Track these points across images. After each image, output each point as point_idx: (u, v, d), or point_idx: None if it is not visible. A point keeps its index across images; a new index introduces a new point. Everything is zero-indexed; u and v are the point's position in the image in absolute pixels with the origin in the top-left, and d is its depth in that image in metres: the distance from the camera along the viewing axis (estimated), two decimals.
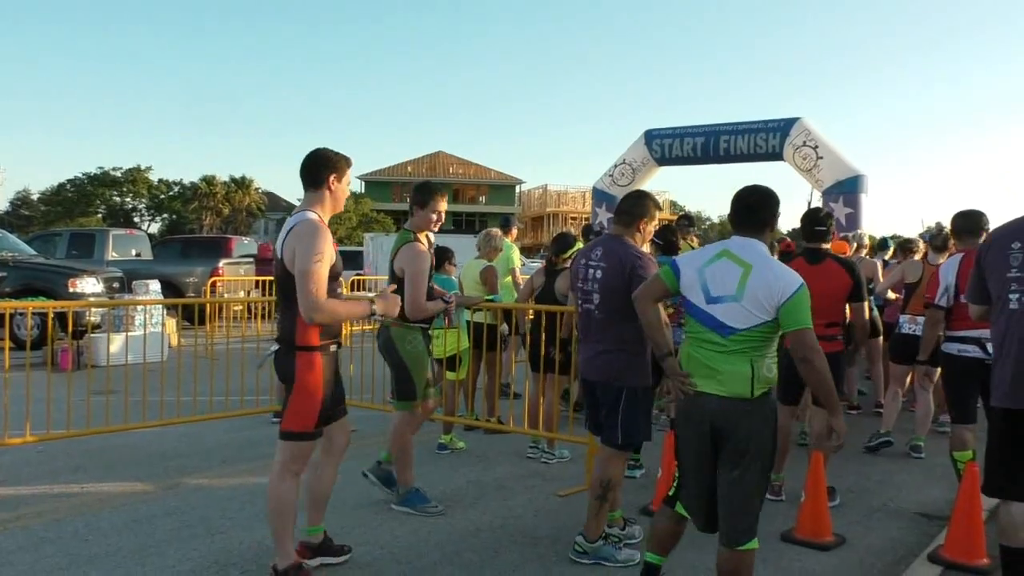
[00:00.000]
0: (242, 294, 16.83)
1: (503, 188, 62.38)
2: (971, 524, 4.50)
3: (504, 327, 7.31)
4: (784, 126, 17.67)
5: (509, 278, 8.57)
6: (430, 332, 5.35)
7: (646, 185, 22.07)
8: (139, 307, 11.56)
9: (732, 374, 3.36)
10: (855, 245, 9.72)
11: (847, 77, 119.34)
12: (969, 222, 5.65)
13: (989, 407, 4.10)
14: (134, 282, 13.45)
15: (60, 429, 6.28)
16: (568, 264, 6.98)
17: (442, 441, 6.98)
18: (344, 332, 9.11)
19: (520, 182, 62.14)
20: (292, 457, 3.99)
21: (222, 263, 17.57)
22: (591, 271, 4.52)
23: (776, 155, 17.89)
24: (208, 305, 10.77)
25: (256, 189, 58.50)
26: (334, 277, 3.93)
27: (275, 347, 4.04)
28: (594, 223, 20.11)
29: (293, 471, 4.01)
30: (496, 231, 7.28)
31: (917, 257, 7.96)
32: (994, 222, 5.39)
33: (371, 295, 3.91)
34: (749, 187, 3.63)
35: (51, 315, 8.94)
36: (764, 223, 3.53)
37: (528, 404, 7.09)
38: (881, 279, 8.62)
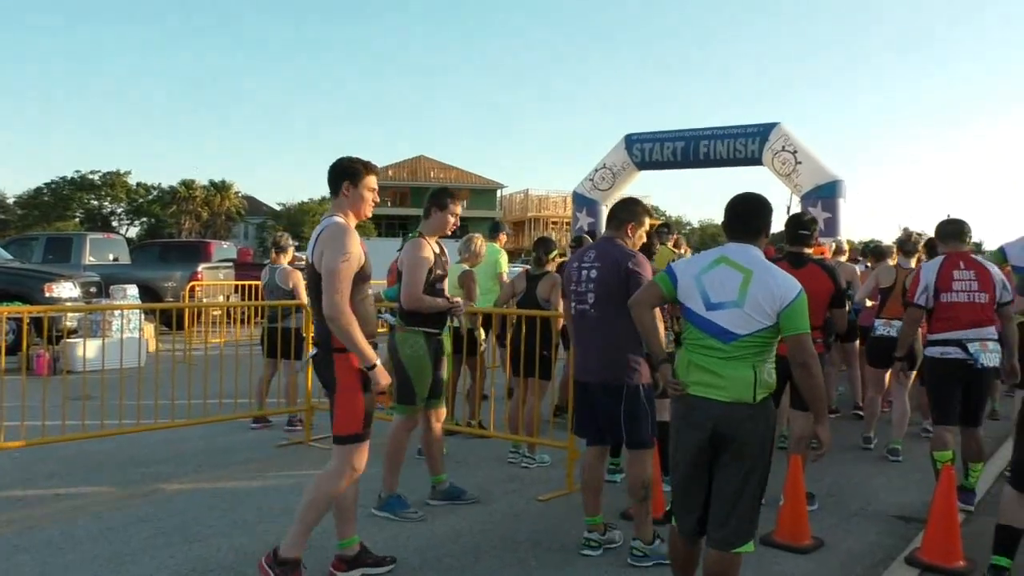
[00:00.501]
0: (221, 299, 16.73)
1: (484, 192, 62.35)
2: (948, 526, 4.54)
3: (480, 332, 7.31)
4: (763, 131, 17.82)
5: (497, 283, 8.55)
6: (440, 337, 5.34)
7: (627, 189, 22.16)
8: (116, 312, 11.45)
9: (735, 379, 3.36)
10: (834, 248, 9.85)
11: (826, 80, 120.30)
12: (954, 227, 5.74)
13: None
14: (112, 287, 13.31)
15: (36, 435, 6.21)
16: (551, 268, 7.01)
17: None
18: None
19: (501, 186, 62.16)
20: (347, 460, 4.02)
21: (201, 267, 17.45)
22: (584, 272, 4.55)
23: (755, 160, 18.03)
24: (187, 310, 10.70)
25: (236, 193, 58.25)
26: (364, 279, 4.02)
27: (313, 351, 4.09)
28: (575, 228, 20.18)
29: (350, 474, 4.04)
30: (477, 236, 7.28)
31: (891, 262, 8.06)
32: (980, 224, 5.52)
33: (378, 360, 3.95)
34: (743, 195, 3.65)
35: (27, 320, 8.84)
36: (759, 230, 3.56)
37: (509, 409, 7.08)
38: (860, 284, 8.71)
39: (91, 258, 17.17)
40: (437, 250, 5.29)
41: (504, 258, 8.49)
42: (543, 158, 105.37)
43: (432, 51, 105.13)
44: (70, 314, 11.60)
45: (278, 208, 60.22)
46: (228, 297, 16.98)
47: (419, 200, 63.20)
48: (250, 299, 15.35)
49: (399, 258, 5.33)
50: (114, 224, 60.27)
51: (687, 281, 3.51)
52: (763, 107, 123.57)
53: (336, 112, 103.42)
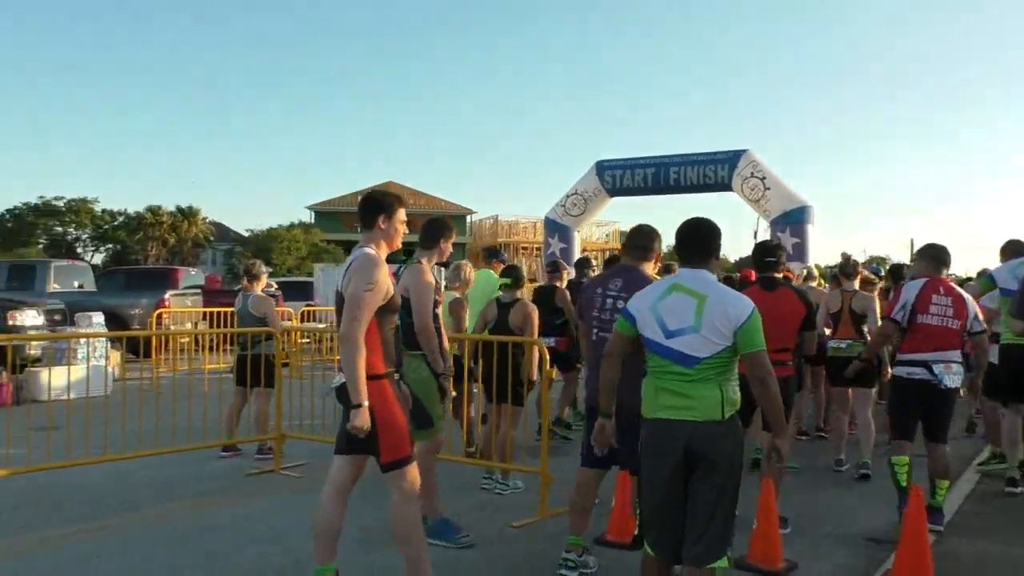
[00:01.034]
0: (189, 326, 16.55)
1: (454, 218, 61.87)
2: (918, 548, 4.57)
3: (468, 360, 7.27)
4: (732, 158, 18.07)
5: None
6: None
7: (598, 215, 22.33)
8: (82, 340, 11.29)
9: (704, 399, 3.46)
10: (804, 274, 10.02)
11: (794, 108, 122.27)
12: (935, 251, 5.96)
13: None
14: (77, 314, 13.13)
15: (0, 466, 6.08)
16: (519, 296, 7.01)
17: None
18: (293, 365, 8.99)
19: (471, 212, 62.26)
20: (405, 483, 4.07)
21: (168, 294, 17.27)
22: (610, 300, 4.64)
23: (725, 186, 18.27)
24: (154, 337, 10.56)
25: (204, 219, 57.72)
26: (392, 311, 4.08)
27: (340, 379, 4.06)
28: (547, 254, 20.26)
29: (411, 495, 4.10)
30: (466, 264, 7.29)
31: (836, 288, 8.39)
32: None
33: (365, 399, 3.93)
34: (693, 220, 3.78)
35: None
36: (710, 253, 3.68)
37: (483, 435, 7.06)
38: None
39: (55, 285, 16.93)
40: (437, 276, 5.35)
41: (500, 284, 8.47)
42: (512, 184, 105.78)
43: (400, 75, 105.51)
44: (34, 342, 11.42)
45: (246, 234, 59.77)
46: (196, 324, 16.81)
47: None
48: (219, 326, 15.22)
49: (401, 282, 5.22)
50: (79, 251, 59.44)
51: (643, 314, 3.61)
52: (733, 134, 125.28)
53: (305, 137, 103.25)
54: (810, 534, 5.66)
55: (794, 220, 17.22)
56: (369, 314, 3.91)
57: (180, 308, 17.01)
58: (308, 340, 15.20)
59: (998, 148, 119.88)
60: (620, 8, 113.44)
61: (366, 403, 3.90)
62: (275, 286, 22.78)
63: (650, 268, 4.76)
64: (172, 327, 15.76)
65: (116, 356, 12.89)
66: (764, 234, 18.68)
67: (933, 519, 5.43)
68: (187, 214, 56.17)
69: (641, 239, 4.82)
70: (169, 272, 19.94)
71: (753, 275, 8.66)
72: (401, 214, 4.19)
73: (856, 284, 7.99)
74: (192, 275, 20.57)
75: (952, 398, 5.74)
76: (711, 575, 3.49)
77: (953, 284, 6.02)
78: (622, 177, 19.28)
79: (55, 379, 9.96)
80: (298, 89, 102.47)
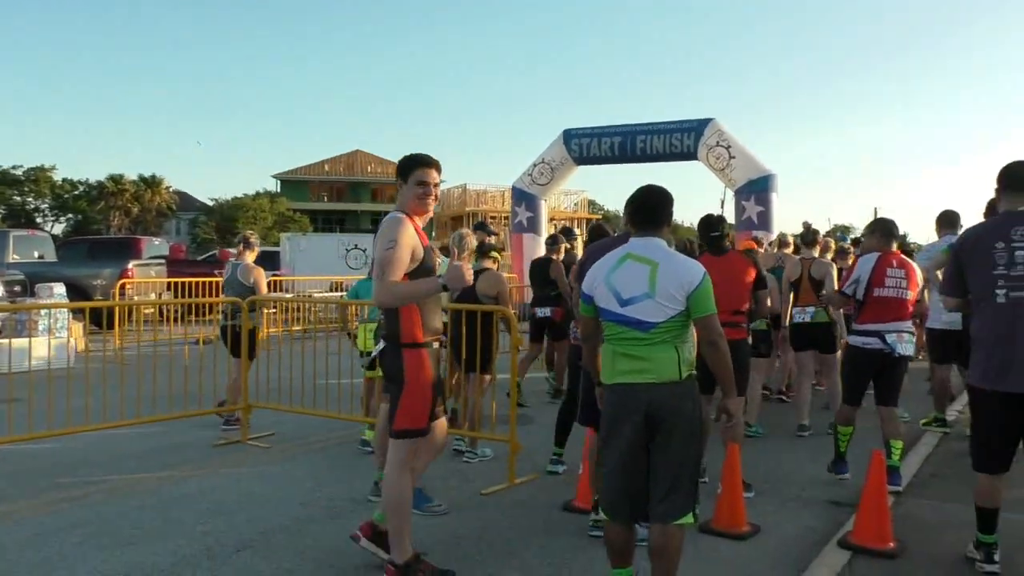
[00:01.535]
0: (153, 296, 16.34)
1: None
2: (878, 510, 4.68)
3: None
4: (698, 126, 18.07)
5: None
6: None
7: (565, 184, 22.29)
8: (43, 311, 11.10)
9: (660, 360, 3.54)
10: (778, 242, 10.06)
11: (755, 75, 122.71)
12: (885, 226, 6.23)
13: (975, 391, 4.34)
14: (37, 285, 12.90)
15: None
16: (487, 265, 7.01)
17: (364, 438, 6.95)
18: (262, 336, 8.93)
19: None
20: (407, 456, 4.07)
21: (131, 264, 17.02)
22: None
23: (691, 155, 18.27)
24: (117, 308, 10.41)
25: (167, 188, 56.84)
26: (427, 272, 4.03)
27: (380, 346, 4.10)
28: (514, 223, 20.22)
29: (409, 467, 4.09)
30: (468, 232, 7.30)
31: (796, 255, 8.71)
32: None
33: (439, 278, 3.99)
34: (645, 188, 3.87)
35: None
36: (662, 221, 3.79)
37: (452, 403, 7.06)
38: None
39: (15, 256, 16.63)
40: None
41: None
42: (482, 153, 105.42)
43: (368, 43, 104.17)
44: None
45: (211, 203, 58.96)
46: (161, 295, 16.60)
47: (356, 195, 62.74)
48: (184, 296, 15.03)
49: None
50: (39, 221, 58.26)
51: (598, 287, 3.71)
52: (699, 103, 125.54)
53: (270, 105, 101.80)
54: (774, 498, 5.76)
55: (759, 189, 17.28)
56: (396, 273, 3.88)
57: (144, 278, 16.79)
58: (275, 310, 15.06)
59: (952, 121, 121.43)
60: None
61: (440, 281, 3.94)
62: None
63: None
64: (136, 298, 15.54)
65: (78, 328, 12.70)
66: (731, 203, 18.78)
67: (891, 479, 5.60)
68: (150, 183, 55.29)
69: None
70: (132, 242, 19.63)
71: (754, 245, 9.11)
72: (420, 174, 4.06)
73: (816, 252, 8.18)
74: (156, 245, 20.28)
75: (904, 365, 6.02)
76: (678, 532, 3.57)
77: (904, 256, 6.28)
78: (589, 146, 19.21)
79: (16, 351, 9.81)
80: (262, 56, 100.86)
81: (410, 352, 4.00)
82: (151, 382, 7.29)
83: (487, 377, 6.83)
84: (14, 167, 57.11)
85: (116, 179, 54.14)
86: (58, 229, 56.91)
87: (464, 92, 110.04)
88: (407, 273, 3.94)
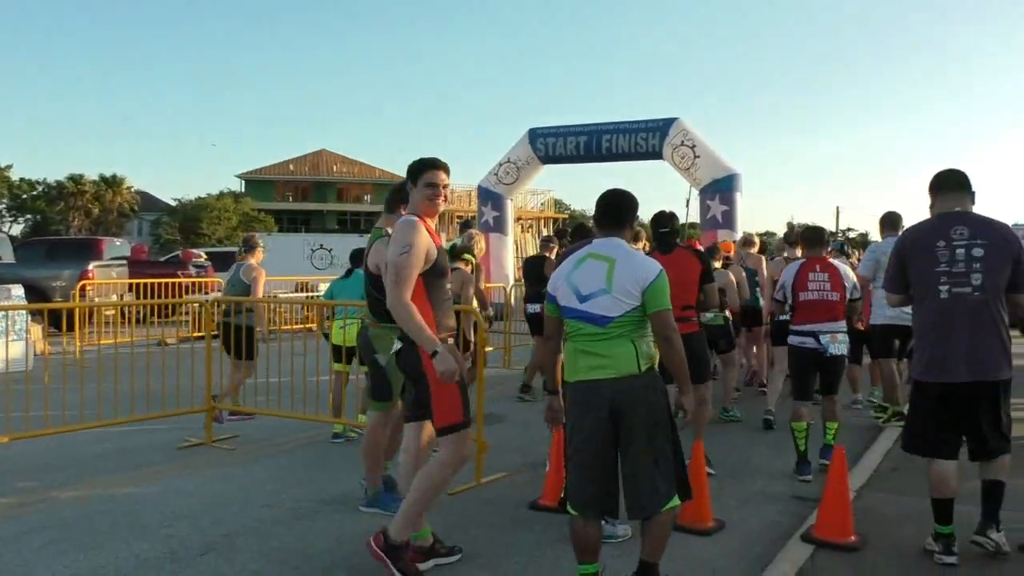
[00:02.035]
0: (115, 298, 16.10)
1: (388, 186, 61.42)
2: (840, 505, 4.75)
3: None
4: (663, 126, 18.20)
5: None
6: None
7: (531, 183, 22.32)
8: (1, 313, 10.88)
9: (619, 355, 3.61)
10: (742, 240, 10.18)
11: (722, 77, 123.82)
12: (815, 235, 6.68)
13: (916, 383, 4.55)
14: None
15: None
16: (460, 265, 7.09)
17: (336, 431, 6.93)
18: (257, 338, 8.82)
19: (406, 180, 61.76)
20: (457, 450, 4.11)
21: (92, 266, 16.74)
22: None
23: (656, 154, 18.40)
24: (77, 310, 10.25)
25: (129, 188, 55.95)
26: (439, 275, 4.11)
27: (398, 345, 4.15)
28: (480, 222, 20.21)
29: (452, 463, 4.12)
30: (477, 233, 7.32)
31: (783, 255, 9.03)
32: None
33: (439, 343, 3.98)
34: (610, 191, 4.00)
35: None
36: (625, 222, 3.91)
37: None
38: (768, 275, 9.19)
39: None
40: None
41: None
42: (446, 152, 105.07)
43: (332, 42, 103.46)
44: None
45: (174, 204, 58.19)
46: (122, 296, 16.36)
47: (321, 195, 62.34)
48: (146, 298, 14.84)
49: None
50: None
51: (561, 287, 3.80)
52: (665, 103, 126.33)
53: (235, 104, 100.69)
54: (739, 493, 5.82)
55: (724, 188, 17.44)
56: (410, 278, 3.94)
57: (105, 280, 16.54)
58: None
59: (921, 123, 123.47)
60: None
61: (441, 346, 3.96)
62: (204, 256, 22.33)
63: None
64: (96, 299, 15.31)
65: (37, 330, 12.47)
66: (696, 201, 18.94)
67: (823, 455, 6.15)
68: (111, 183, 54.34)
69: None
70: (93, 243, 19.34)
71: (696, 243, 9.29)
72: (429, 176, 4.16)
73: (799, 252, 8.10)
74: (117, 245, 19.99)
75: (839, 363, 6.33)
76: (667, 518, 3.67)
77: (830, 260, 6.61)
78: (555, 145, 19.27)
79: None
80: (226, 54, 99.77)
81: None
82: (112, 384, 7.19)
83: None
84: None
85: (76, 179, 53.16)
86: (16, 230, 55.80)
87: (430, 91, 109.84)
88: (421, 273, 4.02)
